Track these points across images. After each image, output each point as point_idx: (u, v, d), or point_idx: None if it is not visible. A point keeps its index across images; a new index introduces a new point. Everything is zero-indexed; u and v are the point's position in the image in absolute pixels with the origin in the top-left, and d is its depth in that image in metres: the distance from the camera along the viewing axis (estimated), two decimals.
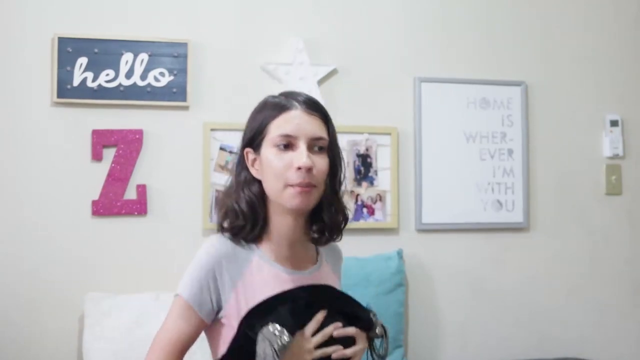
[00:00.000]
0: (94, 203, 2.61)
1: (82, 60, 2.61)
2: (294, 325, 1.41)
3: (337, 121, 2.83)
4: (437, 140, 2.94)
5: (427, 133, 2.93)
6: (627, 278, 3.14)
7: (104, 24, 2.66)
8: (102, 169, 2.62)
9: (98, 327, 2.46)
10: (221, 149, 2.72)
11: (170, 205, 2.68)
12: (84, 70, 2.61)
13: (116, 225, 2.63)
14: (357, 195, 2.85)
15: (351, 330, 1.49)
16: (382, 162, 2.88)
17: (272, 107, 1.48)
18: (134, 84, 2.66)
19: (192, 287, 1.42)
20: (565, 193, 3.09)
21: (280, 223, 1.47)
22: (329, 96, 2.82)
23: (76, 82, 2.60)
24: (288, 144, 1.43)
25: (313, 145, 1.44)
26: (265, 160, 1.44)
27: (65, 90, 2.59)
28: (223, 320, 1.43)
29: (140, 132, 2.66)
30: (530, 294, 3.03)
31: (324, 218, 1.49)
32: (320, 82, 2.82)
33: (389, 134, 2.88)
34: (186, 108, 2.71)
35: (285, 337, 1.36)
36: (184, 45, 2.70)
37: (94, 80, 2.62)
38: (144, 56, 2.67)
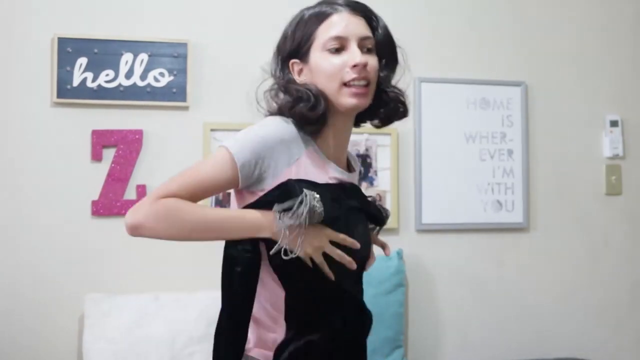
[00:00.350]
0: (94, 203, 2.61)
1: (82, 61, 2.61)
2: (328, 212, 1.40)
3: None
4: (437, 140, 2.94)
5: (427, 133, 2.93)
6: (626, 278, 3.14)
7: (103, 24, 2.66)
8: (102, 169, 2.62)
9: (98, 327, 2.46)
10: None
11: None
12: (84, 71, 2.61)
13: (116, 225, 2.62)
14: None
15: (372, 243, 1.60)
16: (382, 162, 2.88)
17: (315, 15, 1.49)
18: (134, 84, 2.66)
19: (244, 148, 1.38)
20: (565, 193, 3.09)
21: (333, 123, 1.49)
22: None
23: (76, 82, 2.60)
24: (339, 47, 1.45)
25: (362, 45, 1.47)
26: (317, 64, 1.47)
27: (65, 91, 2.59)
28: (259, 192, 1.41)
29: (140, 132, 2.66)
30: (530, 294, 3.03)
31: (389, 103, 1.56)
32: None
33: (389, 134, 2.88)
34: (186, 108, 2.71)
35: (320, 209, 1.36)
36: (183, 45, 2.70)
37: (93, 80, 2.62)
38: (143, 56, 2.67)
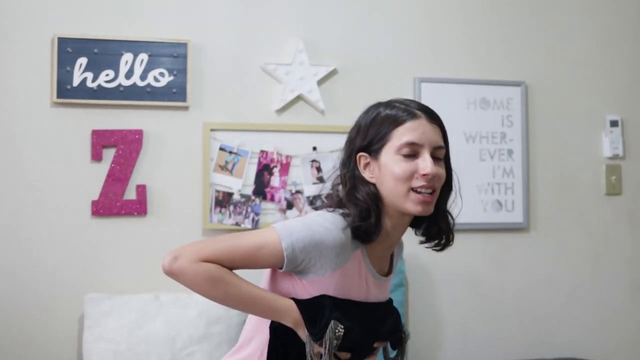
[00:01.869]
0: (94, 203, 2.61)
1: (82, 61, 2.61)
2: (347, 341, 1.44)
3: (337, 121, 2.85)
4: None
5: None
6: (627, 278, 3.14)
7: (104, 24, 2.66)
8: (102, 169, 2.62)
9: (98, 327, 2.46)
10: (221, 149, 2.72)
11: (170, 205, 2.68)
12: (84, 71, 2.61)
13: (116, 225, 2.63)
14: None
15: None
16: None
17: (392, 117, 1.51)
18: (134, 84, 2.66)
19: (296, 244, 1.40)
20: (565, 193, 3.09)
21: (389, 226, 1.52)
22: (329, 96, 2.82)
23: (76, 82, 2.60)
24: (413, 152, 1.47)
25: (434, 154, 1.49)
26: (386, 166, 1.48)
27: (65, 91, 2.59)
28: (303, 281, 1.45)
29: (140, 132, 2.66)
30: (530, 294, 3.03)
31: (440, 225, 1.59)
32: (320, 82, 2.82)
33: None
34: (186, 108, 2.71)
35: (338, 342, 1.41)
36: (183, 45, 2.69)
37: (93, 80, 2.62)
38: (143, 56, 2.67)
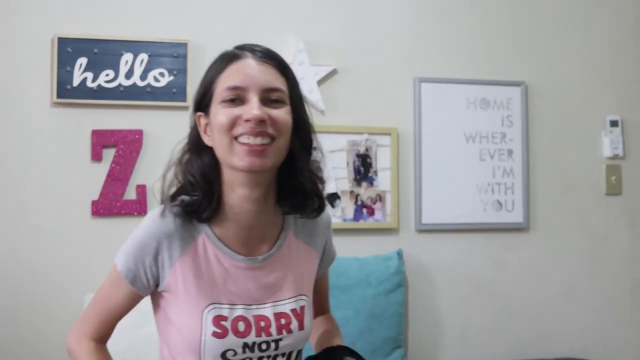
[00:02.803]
0: (94, 203, 2.61)
1: (82, 61, 2.61)
2: None
3: (337, 121, 2.85)
4: (437, 140, 2.94)
5: (427, 133, 2.93)
6: (626, 278, 3.14)
7: (104, 24, 2.66)
8: (102, 169, 2.62)
9: None
10: None
11: None
12: (84, 71, 2.61)
13: (116, 225, 2.63)
14: (357, 195, 2.85)
15: None
16: (382, 162, 2.88)
17: (222, 59, 1.31)
18: (134, 84, 2.66)
19: (127, 261, 1.34)
20: (565, 193, 3.09)
21: (234, 199, 1.31)
22: (329, 96, 2.82)
23: (76, 82, 2.60)
24: (237, 98, 1.25)
25: (267, 97, 1.27)
26: (214, 120, 1.27)
27: (65, 91, 2.59)
28: (163, 294, 1.36)
29: (140, 132, 2.66)
30: (530, 294, 3.03)
31: (300, 184, 1.31)
32: (320, 82, 2.82)
33: (389, 134, 2.88)
34: (186, 108, 2.71)
35: None
36: (183, 45, 2.69)
37: (93, 80, 2.62)
38: (143, 56, 2.67)
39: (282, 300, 1.36)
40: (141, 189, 2.65)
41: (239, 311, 1.31)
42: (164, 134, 2.69)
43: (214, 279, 1.32)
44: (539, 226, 3.05)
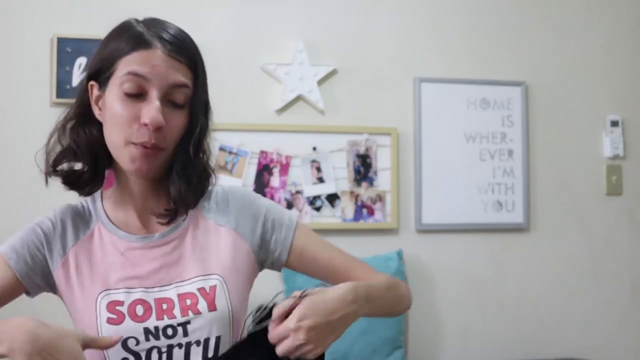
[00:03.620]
0: None
1: (82, 61, 2.61)
2: None
3: (337, 121, 2.84)
4: (437, 140, 2.94)
5: (427, 133, 2.92)
6: (627, 278, 3.13)
7: (103, 24, 2.65)
8: None
9: None
10: (221, 149, 2.72)
11: None
12: (84, 71, 2.61)
13: None
14: (357, 195, 2.84)
15: None
16: (382, 162, 2.87)
17: (129, 38, 1.25)
18: None
19: (15, 245, 1.32)
20: (566, 193, 3.09)
21: (126, 182, 1.29)
22: (329, 96, 2.82)
23: (75, 82, 2.60)
24: (138, 89, 1.18)
25: (170, 93, 1.21)
26: (109, 105, 1.20)
27: (65, 91, 2.59)
28: (61, 293, 1.32)
29: None
30: (530, 294, 3.03)
31: (174, 188, 1.24)
32: (320, 82, 2.81)
33: (389, 134, 2.87)
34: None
35: None
36: None
37: None
38: None
39: (186, 280, 1.25)
40: None
41: (137, 294, 1.23)
42: None
43: (109, 266, 1.26)
44: (539, 226, 3.05)
